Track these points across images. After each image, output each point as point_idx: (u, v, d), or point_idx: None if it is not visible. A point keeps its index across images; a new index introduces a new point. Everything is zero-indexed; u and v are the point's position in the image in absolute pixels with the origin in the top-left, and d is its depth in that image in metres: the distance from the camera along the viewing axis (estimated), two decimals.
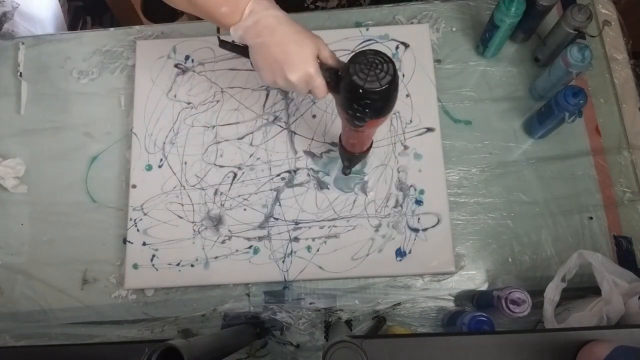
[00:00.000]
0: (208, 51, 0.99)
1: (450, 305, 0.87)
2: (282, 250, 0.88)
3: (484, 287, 0.87)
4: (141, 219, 0.91)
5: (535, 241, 0.89)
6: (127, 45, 1.03)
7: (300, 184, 0.92)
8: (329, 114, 0.95)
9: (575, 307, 0.78)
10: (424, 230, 0.88)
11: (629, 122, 0.94)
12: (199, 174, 0.93)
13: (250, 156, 0.94)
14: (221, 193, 0.92)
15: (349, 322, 0.86)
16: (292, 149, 0.94)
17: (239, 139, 0.95)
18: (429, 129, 0.93)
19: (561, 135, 0.92)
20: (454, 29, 1.01)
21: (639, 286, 0.72)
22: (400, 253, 0.87)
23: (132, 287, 0.89)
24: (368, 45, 0.98)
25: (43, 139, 0.99)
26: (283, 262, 0.88)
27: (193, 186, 0.92)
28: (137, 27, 1.05)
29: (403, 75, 0.96)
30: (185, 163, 0.94)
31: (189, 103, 0.97)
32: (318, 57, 0.63)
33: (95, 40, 1.04)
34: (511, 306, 0.74)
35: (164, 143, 0.95)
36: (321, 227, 0.89)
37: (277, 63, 0.62)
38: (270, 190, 0.92)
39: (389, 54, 0.96)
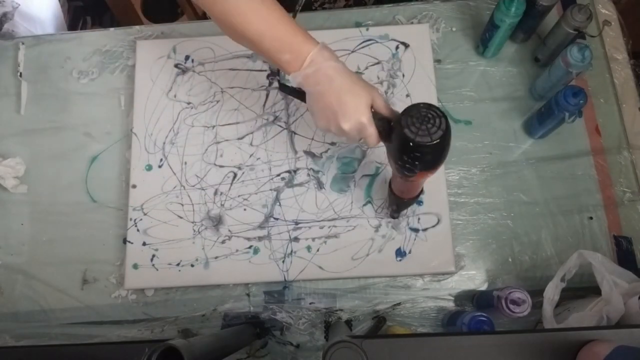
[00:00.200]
0: (208, 51, 0.99)
1: (450, 305, 0.87)
2: (282, 250, 0.88)
3: (484, 287, 0.87)
4: (141, 219, 0.91)
5: (535, 241, 0.89)
6: (127, 45, 1.03)
7: (300, 184, 0.92)
8: None
9: (575, 307, 0.78)
10: (424, 230, 0.88)
11: (629, 122, 0.94)
12: (199, 174, 0.93)
13: (250, 156, 0.94)
14: (221, 193, 0.92)
15: (349, 322, 0.86)
16: (292, 149, 0.94)
17: (239, 139, 0.95)
18: None
19: (561, 135, 0.92)
20: (454, 29, 1.01)
21: (639, 286, 0.72)
22: (400, 253, 0.87)
23: (132, 287, 0.89)
24: (368, 45, 0.98)
25: (43, 139, 0.99)
26: (283, 262, 0.88)
27: (193, 186, 0.92)
28: (137, 27, 1.05)
29: (403, 75, 0.96)
30: (185, 163, 0.94)
31: (189, 103, 0.97)
32: (372, 107, 0.64)
33: (95, 40, 1.04)
34: (511, 306, 0.74)
35: (164, 143, 0.95)
36: (321, 227, 0.89)
37: (332, 111, 0.64)
38: (270, 190, 0.92)
39: (390, 53, 0.97)
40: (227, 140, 0.95)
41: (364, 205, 0.90)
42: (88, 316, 0.90)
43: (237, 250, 0.89)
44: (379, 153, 0.92)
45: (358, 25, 1.01)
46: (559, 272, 0.76)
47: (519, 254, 0.88)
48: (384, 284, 0.88)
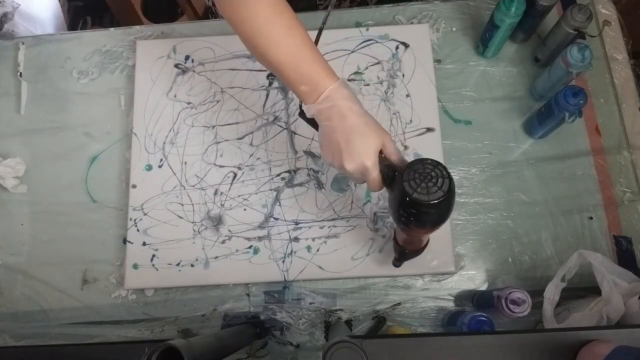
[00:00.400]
0: (208, 51, 0.99)
1: (450, 305, 0.87)
2: (282, 250, 0.88)
3: (484, 287, 0.87)
4: (141, 219, 0.91)
5: (535, 241, 0.89)
6: (127, 45, 1.03)
7: (300, 184, 0.92)
8: None
9: (575, 307, 0.78)
10: None
11: (629, 122, 0.94)
12: (199, 174, 0.93)
13: (250, 156, 0.94)
14: (221, 193, 0.92)
15: (349, 322, 0.86)
16: (292, 149, 0.94)
17: (239, 139, 0.95)
18: (429, 129, 0.93)
19: (561, 135, 0.92)
20: (454, 29, 1.01)
21: (639, 286, 0.72)
22: None
23: (132, 287, 0.89)
24: (368, 45, 0.98)
25: (43, 139, 0.99)
26: (283, 262, 0.88)
27: (193, 186, 0.92)
28: (137, 27, 1.05)
29: (403, 75, 0.96)
30: (185, 163, 0.94)
31: (189, 103, 0.97)
32: (382, 152, 0.64)
33: (95, 40, 1.04)
34: (511, 306, 0.74)
35: (164, 143, 0.95)
36: (321, 227, 0.89)
37: (338, 149, 0.63)
38: (270, 190, 0.92)
39: (390, 53, 0.97)
40: (227, 140, 0.95)
41: (364, 205, 0.90)
42: (88, 316, 0.90)
43: (237, 250, 0.89)
44: None
45: (358, 25, 1.01)
46: (559, 272, 0.76)
47: (519, 254, 0.88)
48: (384, 284, 0.88)
